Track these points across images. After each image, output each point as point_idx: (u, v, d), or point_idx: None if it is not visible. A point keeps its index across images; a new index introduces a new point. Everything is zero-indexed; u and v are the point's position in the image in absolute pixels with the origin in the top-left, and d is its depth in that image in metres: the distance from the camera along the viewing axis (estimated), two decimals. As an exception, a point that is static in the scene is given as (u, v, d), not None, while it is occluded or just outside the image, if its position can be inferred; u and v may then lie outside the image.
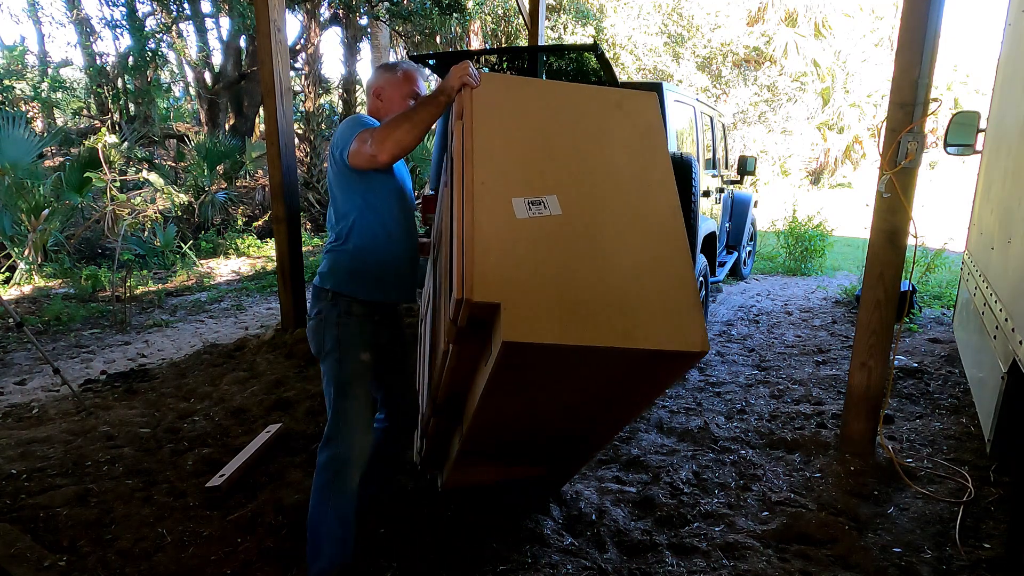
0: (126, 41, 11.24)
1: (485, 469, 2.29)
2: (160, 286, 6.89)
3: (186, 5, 11.53)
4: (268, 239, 9.25)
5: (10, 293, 6.25)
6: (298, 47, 11.76)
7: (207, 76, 12.27)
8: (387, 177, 1.95)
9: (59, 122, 13.11)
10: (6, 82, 11.26)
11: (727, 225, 6.49)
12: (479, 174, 1.55)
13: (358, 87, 13.09)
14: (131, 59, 10.98)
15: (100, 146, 7.87)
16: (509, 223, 1.51)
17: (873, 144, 19.54)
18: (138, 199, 8.85)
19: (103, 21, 11.19)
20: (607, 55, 4.81)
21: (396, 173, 1.99)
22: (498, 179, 1.56)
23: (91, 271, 6.66)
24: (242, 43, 11.89)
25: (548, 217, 1.54)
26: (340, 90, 13.33)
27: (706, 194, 5.03)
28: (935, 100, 2.69)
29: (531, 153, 1.63)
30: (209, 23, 12.52)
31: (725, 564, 2.14)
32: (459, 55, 6.64)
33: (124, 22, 10.69)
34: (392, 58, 15.42)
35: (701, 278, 4.58)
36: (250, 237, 9.40)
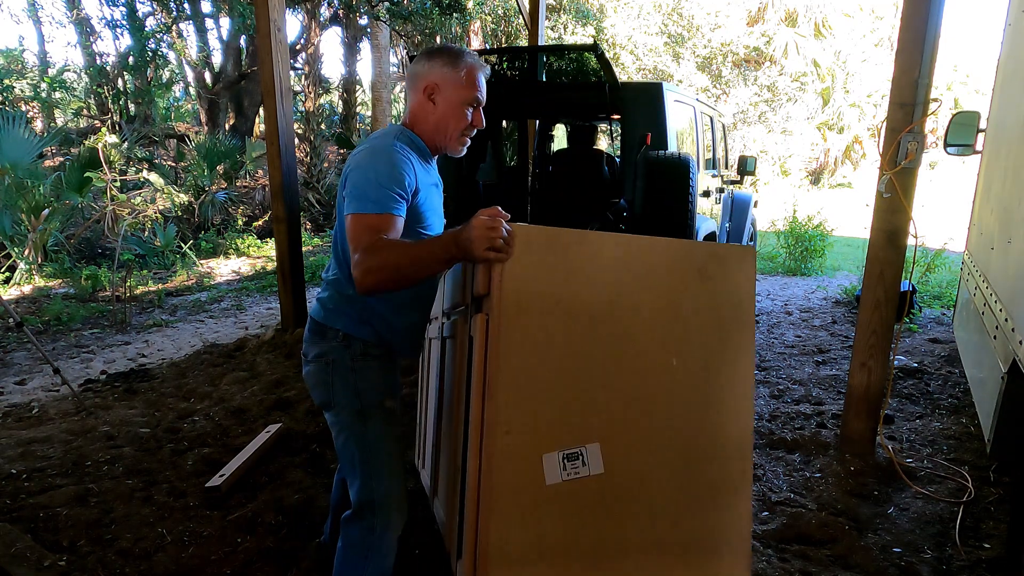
0: (126, 41, 11.28)
1: None
2: (160, 286, 6.89)
3: (186, 5, 11.54)
4: (268, 239, 9.26)
5: (10, 293, 6.25)
6: (298, 47, 11.76)
7: (207, 76, 12.28)
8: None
9: (59, 122, 13.11)
10: (6, 82, 11.26)
11: (727, 225, 6.48)
12: (504, 418, 1.21)
13: (358, 87, 13.09)
14: (131, 59, 10.99)
15: (100, 146, 7.87)
16: (536, 493, 1.21)
17: (873, 144, 19.54)
18: (138, 199, 8.85)
19: (103, 21, 11.22)
20: (607, 55, 4.82)
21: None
22: (528, 427, 1.22)
23: (91, 271, 6.66)
24: (242, 43, 11.89)
25: (586, 480, 1.23)
26: (340, 90, 13.32)
27: (706, 194, 5.02)
28: (935, 100, 2.69)
29: (575, 376, 1.25)
30: (209, 23, 12.53)
31: (725, 564, 2.14)
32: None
33: (124, 22, 10.72)
34: (392, 58, 15.36)
35: None
36: (250, 237, 9.41)
